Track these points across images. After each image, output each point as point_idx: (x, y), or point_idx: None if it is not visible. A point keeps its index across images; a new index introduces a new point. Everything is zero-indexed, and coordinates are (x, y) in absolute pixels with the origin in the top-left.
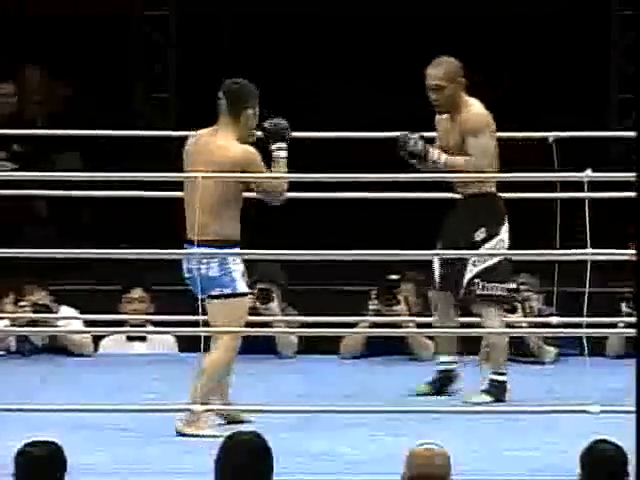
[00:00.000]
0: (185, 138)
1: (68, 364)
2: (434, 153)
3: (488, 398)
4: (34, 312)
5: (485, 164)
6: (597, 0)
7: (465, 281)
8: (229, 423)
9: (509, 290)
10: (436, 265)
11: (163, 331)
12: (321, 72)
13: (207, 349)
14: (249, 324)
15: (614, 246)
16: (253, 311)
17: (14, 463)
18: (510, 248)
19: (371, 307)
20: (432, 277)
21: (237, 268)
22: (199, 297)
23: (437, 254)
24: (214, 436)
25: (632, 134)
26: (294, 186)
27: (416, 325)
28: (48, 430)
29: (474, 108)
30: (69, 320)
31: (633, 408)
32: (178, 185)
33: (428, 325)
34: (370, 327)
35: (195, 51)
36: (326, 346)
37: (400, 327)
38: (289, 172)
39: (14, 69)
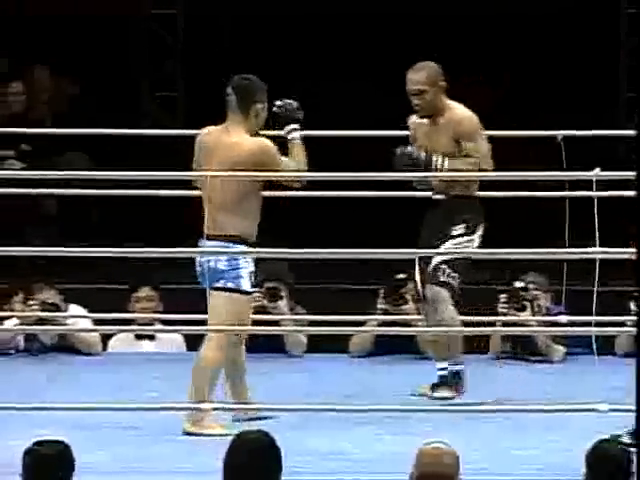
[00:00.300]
0: (193, 137)
1: (76, 363)
2: (437, 159)
3: (446, 392)
4: (43, 311)
5: (487, 166)
6: None
7: (432, 265)
8: (249, 420)
9: (461, 287)
10: (417, 271)
11: (171, 330)
12: (324, 72)
13: None
14: (257, 322)
15: (623, 245)
16: (261, 309)
17: (22, 462)
18: (518, 247)
19: (379, 306)
20: (415, 284)
21: (245, 266)
22: (206, 288)
23: (441, 253)
24: (220, 435)
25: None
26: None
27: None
28: (54, 429)
29: (460, 111)
30: (78, 319)
31: None
32: (187, 184)
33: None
34: (378, 326)
35: (202, 50)
36: (335, 345)
37: (408, 326)
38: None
39: (23, 69)
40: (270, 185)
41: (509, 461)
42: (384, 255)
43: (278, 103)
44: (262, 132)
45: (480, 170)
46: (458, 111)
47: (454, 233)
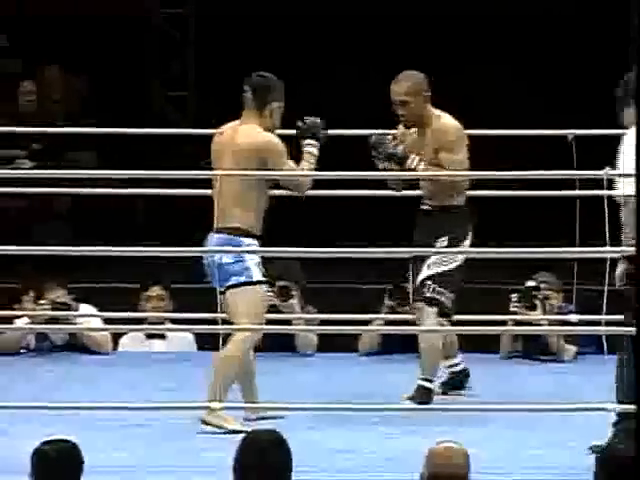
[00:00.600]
0: (203, 136)
1: (87, 362)
2: (414, 159)
3: (410, 404)
4: (53, 310)
5: (459, 179)
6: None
7: (418, 280)
8: (260, 419)
9: (452, 301)
10: (410, 284)
11: (181, 329)
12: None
13: None
14: (268, 321)
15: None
16: (272, 308)
17: (30, 462)
18: (529, 246)
19: (386, 303)
20: (408, 297)
21: (251, 257)
22: (217, 287)
23: (444, 252)
24: (234, 431)
25: None
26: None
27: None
28: (64, 428)
29: (446, 120)
30: (88, 318)
31: None
32: (198, 183)
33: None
34: (385, 324)
35: (213, 49)
36: (345, 343)
37: (415, 325)
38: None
39: (34, 68)
40: (277, 184)
41: (520, 460)
42: (388, 254)
43: (306, 118)
44: (278, 131)
45: (451, 183)
46: (444, 120)
47: (438, 245)
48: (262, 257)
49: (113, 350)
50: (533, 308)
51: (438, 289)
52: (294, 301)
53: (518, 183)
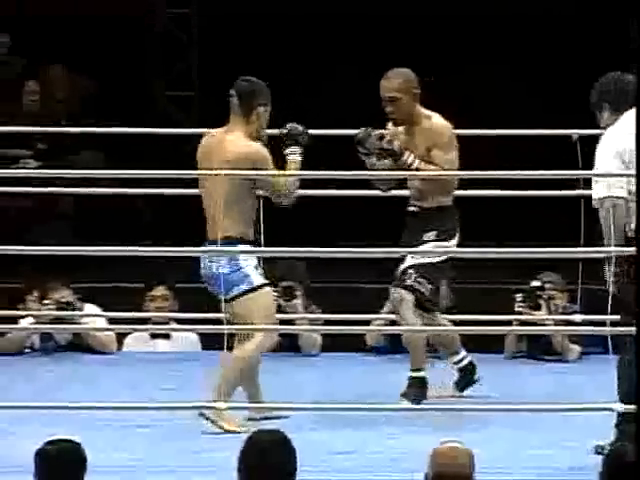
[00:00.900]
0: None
1: (91, 362)
2: (409, 155)
3: (405, 402)
4: (58, 310)
5: (450, 179)
6: None
7: (400, 269)
8: (263, 419)
9: (432, 293)
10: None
11: (186, 329)
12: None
13: (230, 348)
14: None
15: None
16: (276, 308)
17: (34, 461)
18: (533, 246)
19: (387, 304)
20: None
21: (247, 263)
22: (218, 296)
23: (448, 252)
24: (236, 432)
25: None
26: (305, 184)
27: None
28: (68, 428)
29: (437, 119)
30: (93, 318)
31: None
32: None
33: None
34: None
35: (217, 49)
36: (349, 343)
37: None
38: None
39: (38, 68)
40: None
41: (524, 461)
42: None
43: (288, 125)
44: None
45: (443, 181)
46: (436, 120)
47: (425, 239)
48: (264, 258)
49: (118, 350)
50: (538, 308)
51: (419, 279)
52: (298, 301)
53: (518, 183)
